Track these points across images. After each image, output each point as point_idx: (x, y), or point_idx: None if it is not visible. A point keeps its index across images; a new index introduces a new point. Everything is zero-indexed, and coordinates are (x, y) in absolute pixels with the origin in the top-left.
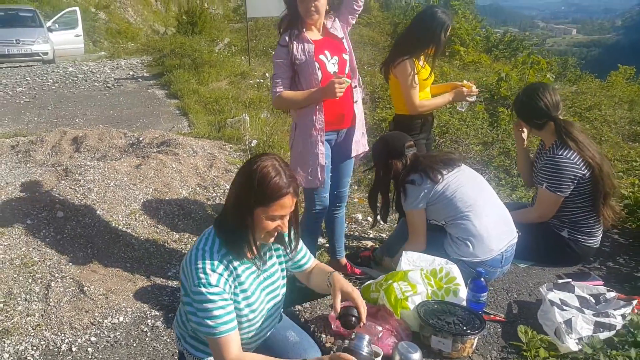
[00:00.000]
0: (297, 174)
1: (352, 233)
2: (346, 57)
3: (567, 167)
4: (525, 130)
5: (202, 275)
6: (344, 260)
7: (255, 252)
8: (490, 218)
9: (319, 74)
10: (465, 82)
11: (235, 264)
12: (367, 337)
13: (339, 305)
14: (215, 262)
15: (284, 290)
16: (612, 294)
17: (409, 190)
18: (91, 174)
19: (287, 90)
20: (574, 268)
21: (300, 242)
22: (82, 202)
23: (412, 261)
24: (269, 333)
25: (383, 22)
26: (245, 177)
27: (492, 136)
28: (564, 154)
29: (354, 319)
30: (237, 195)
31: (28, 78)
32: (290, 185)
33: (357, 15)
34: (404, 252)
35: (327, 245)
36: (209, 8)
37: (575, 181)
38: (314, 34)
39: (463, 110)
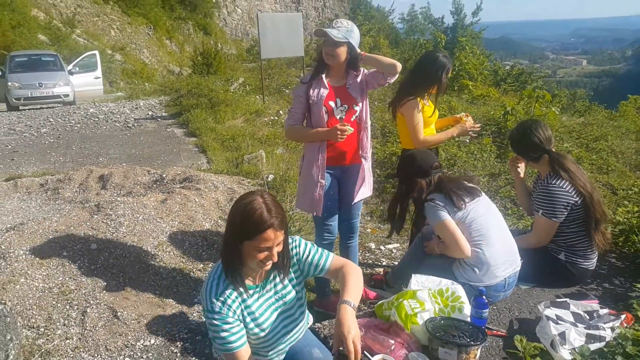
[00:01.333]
0: (302, 200)
1: (365, 261)
2: (357, 108)
3: (560, 195)
4: (521, 164)
5: (208, 303)
6: None
7: (243, 284)
8: (499, 247)
9: (326, 117)
10: (462, 114)
11: (241, 289)
12: None
13: (336, 348)
14: (219, 290)
15: (302, 309)
16: (605, 310)
17: (430, 208)
18: (121, 208)
19: (298, 124)
20: (572, 289)
21: (312, 247)
22: (114, 235)
23: (421, 282)
24: (289, 347)
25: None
26: (233, 214)
27: (500, 168)
28: (557, 183)
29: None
30: (227, 231)
31: (51, 119)
32: (273, 218)
33: (385, 85)
34: (413, 275)
35: None
36: (223, 48)
37: (569, 208)
38: (334, 80)
39: (468, 142)
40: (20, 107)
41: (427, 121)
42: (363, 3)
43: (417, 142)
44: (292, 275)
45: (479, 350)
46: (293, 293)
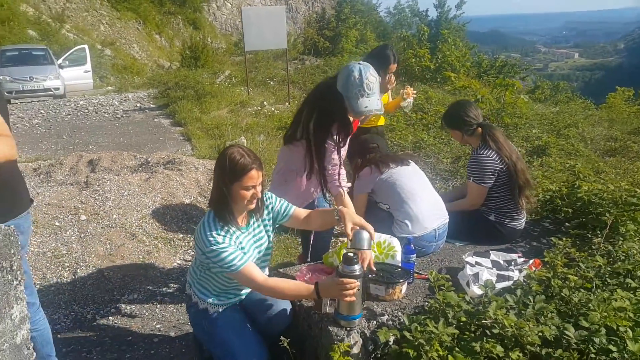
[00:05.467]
0: None
1: None
2: None
3: (487, 163)
4: None
5: (210, 239)
6: None
7: (236, 221)
8: (424, 202)
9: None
10: (407, 87)
11: (232, 229)
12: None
13: (349, 232)
14: (217, 228)
15: (269, 252)
16: (522, 259)
17: (360, 178)
18: (108, 185)
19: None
20: (501, 246)
21: (280, 199)
22: (101, 208)
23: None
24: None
25: None
26: (220, 164)
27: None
28: (485, 152)
29: (351, 254)
30: (216, 179)
31: (42, 111)
32: (254, 162)
33: None
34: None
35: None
36: (212, 43)
37: (496, 174)
38: None
39: (408, 111)
40: (12, 100)
41: None
42: None
43: None
44: (267, 221)
45: (404, 286)
46: (265, 237)
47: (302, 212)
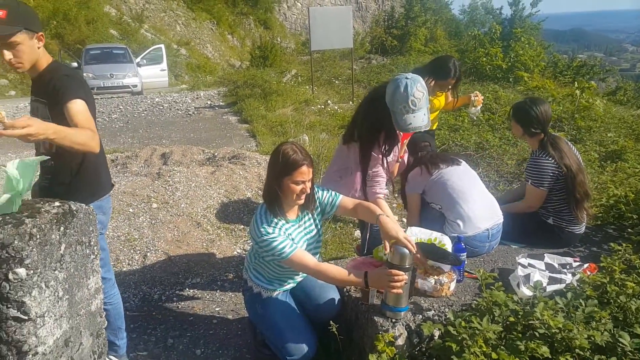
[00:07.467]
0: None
1: None
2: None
3: (546, 166)
4: None
5: (262, 230)
6: None
7: (285, 214)
8: (477, 202)
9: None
10: (478, 93)
11: (282, 222)
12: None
13: (388, 248)
14: (268, 220)
15: (319, 245)
16: (578, 263)
17: (410, 179)
18: (178, 176)
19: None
20: (559, 250)
21: (326, 190)
22: (171, 198)
23: (414, 233)
24: (302, 277)
25: (450, 50)
26: (273, 158)
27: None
28: (544, 157)
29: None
30: (269, 172)
31: (121, 107)
32: (305, 159)
33: None
34: (409, 227)
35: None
36: (281, 42)
37: (554, 178)
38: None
39: (474, 118)
40: (94, 96)
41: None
42: None
43: None
44: (316, 215)
45: (453, 284)
46: (315, 230)
47: (350, 202)
